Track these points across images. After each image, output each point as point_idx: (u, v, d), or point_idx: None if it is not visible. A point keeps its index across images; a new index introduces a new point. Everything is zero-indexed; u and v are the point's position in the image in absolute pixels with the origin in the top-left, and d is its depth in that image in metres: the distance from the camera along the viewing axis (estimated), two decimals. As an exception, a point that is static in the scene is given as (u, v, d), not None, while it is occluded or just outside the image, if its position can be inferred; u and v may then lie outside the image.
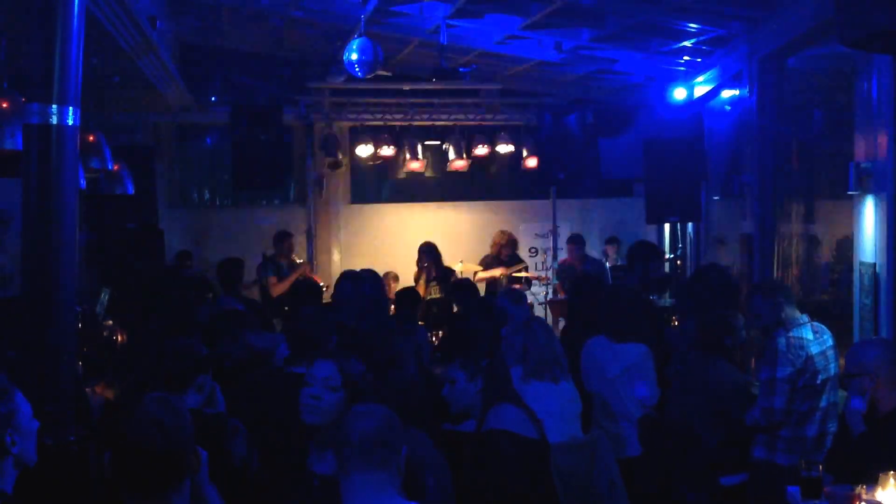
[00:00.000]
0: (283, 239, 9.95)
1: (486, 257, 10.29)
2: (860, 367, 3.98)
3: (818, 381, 4.75)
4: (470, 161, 11.23)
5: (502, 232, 10.34)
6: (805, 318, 4.89)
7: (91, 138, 6.91)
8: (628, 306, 5.53)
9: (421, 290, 9.33)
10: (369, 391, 3.32)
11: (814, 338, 4.80)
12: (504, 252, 10.13)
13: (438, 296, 9.19)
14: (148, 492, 2.51)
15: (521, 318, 5.61)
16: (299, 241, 10.92)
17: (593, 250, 11.05)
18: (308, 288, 6.45)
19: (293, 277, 9.24)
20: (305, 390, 3.22)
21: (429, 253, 9.47)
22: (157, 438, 2.52)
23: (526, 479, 3.75)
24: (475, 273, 9.97)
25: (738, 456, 4.95)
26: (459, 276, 9.44)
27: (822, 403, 4.80)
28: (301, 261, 10.07)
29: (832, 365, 4.83)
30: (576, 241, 10.44)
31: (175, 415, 2.60)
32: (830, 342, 4.88)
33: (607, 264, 10.18)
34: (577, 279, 7.20)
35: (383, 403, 3.38)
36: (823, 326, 4.95)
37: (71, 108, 3.43)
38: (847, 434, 4.05)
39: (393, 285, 9.54)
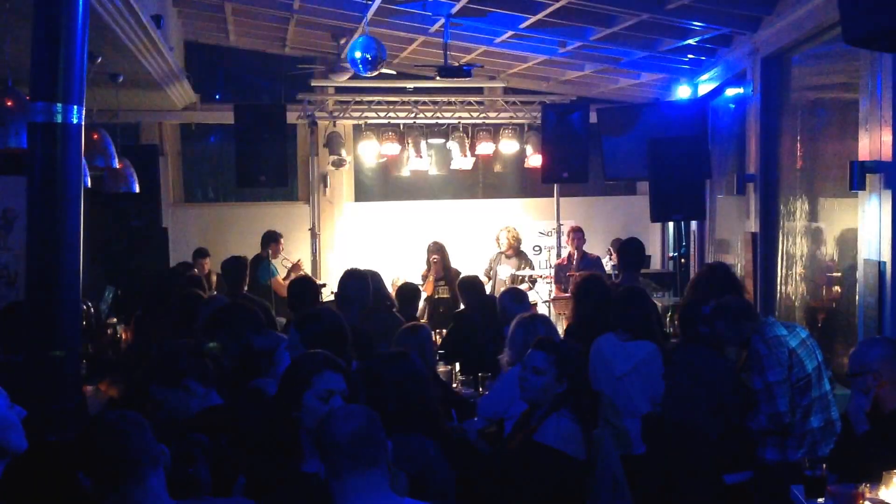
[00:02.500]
0: (278, 239, 10.00)
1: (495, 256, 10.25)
2: (863, 365, 3.98)
3: (809, 372, 4.76)
4: (474, 159, 11.24)
5: (508, 229, 10.30)
6: (771, 318, 4.95)
7: (96, 137, 6.93)
8: (639, 305, 5.54)
9: (429, 289, 9.32)
10: (360, 392, 3.31)
11: (788, 332, 4.82)
12: (510, 249, 10.11)
13: (447, 296, 9.19)
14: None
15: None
16: (302, 239, 10.96)
17: (597, 249, 11.03)
18: (307, 286, 6.44)
19: (294, 276, 9.26)
20: (322, 405, 3.13)
21: (438, 252, 9.46)
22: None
23: (563, 499, 3.76)
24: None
25: (742, 453, 4.95)
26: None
27: (816, 393, 4.81)
28: (295, 261, 10.11)
29: (816, 352, 4.86)
30: (580, 231, 10.35)
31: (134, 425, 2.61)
32: (804, 333, 4.92)
33: (610, 263, 10.16)
34: (582, 278, 7.19)
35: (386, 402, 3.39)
36: (793, 322, 4.98)
37: (75, 107, 3.43)
38: (851, 433, 4.05)
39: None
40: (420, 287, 9.28)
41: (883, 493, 3.56)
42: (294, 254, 10.37)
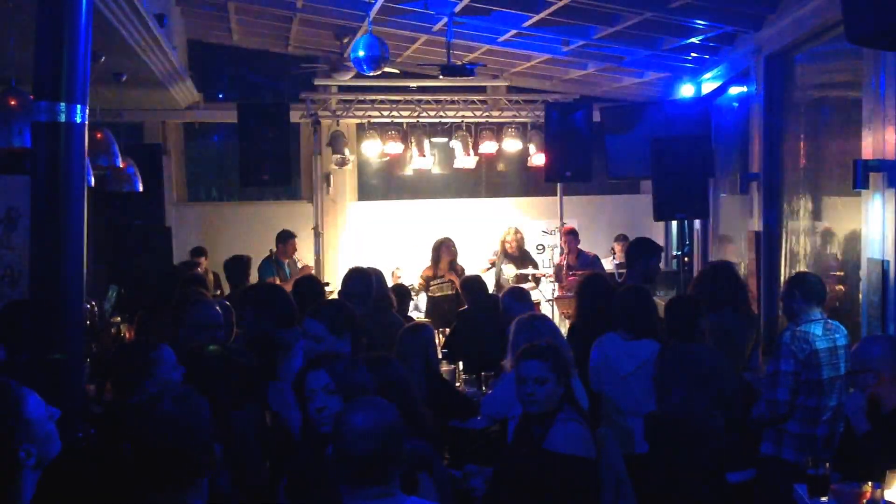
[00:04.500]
0: (287, 239, 9.97)
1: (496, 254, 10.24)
2: (864, 363, 3.98)
3: (824, 377, 4.74)
4: (477, 158, 11.24)
5: (511, 231, 10.28)
6: (818, 314, 4.89)
7: (99, 136, 6.94)
8: (643, 304, 5.53)
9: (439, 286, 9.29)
10: (358, 385, 3.31)
11: (823, 334, 4.79)
12: (514, 251, 10.09)
13: (451, 292, 9.15)
14: (159, 488, 2.50)
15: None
16: (306, 238, 10.96)
17: (600, 248, 11.03)
18: (312, 286, 6.44)
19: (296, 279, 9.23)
20: (310, 405, 3.22)
21: (448, 249, 9.41)
22: (169, 437, 2.50)
23: (581, 500, 3.78)
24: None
25: (745, 452, 4.95)
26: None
27: (832, 402, 4.78)
28: (306, 264, 10.09)
29: (842, 364, 4.81)
30: (572, 233, 10.33)
31: (192, 414, 2.58)
32: (843, 342, 4.86)
33: (615, 261, 10.15)
34: (584, 277, 7.19)
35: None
36: (839, 325, 4.93)
37: (79, 106, 3.43)
38: (851, 432, 4.04)
39: (396, 281, 9.50)
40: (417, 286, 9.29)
41: (887, 494, 3.56)
42: (297, 253, 10.35)
